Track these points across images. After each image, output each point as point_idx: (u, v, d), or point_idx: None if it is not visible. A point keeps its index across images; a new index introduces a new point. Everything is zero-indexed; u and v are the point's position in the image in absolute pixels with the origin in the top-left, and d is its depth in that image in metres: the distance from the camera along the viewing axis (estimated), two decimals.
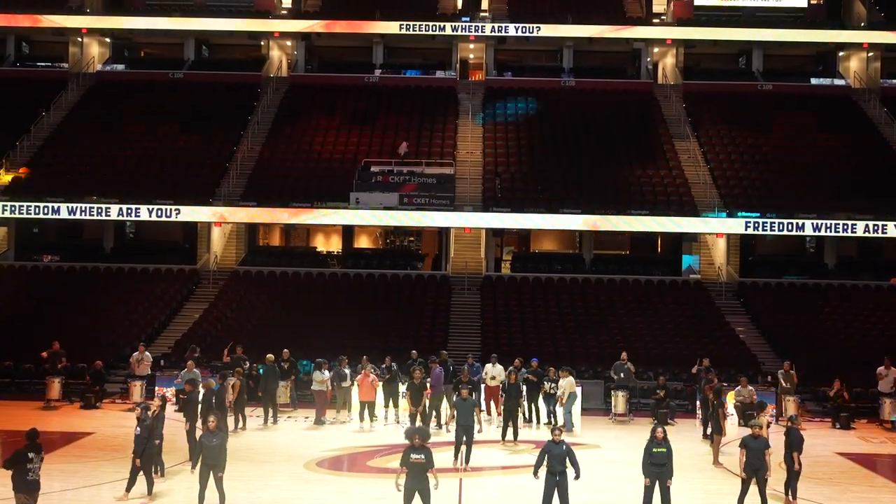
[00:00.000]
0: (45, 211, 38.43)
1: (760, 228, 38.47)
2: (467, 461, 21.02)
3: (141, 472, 17.68)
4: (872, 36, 49.09)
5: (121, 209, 38.34)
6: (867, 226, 37.99)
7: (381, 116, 45.97)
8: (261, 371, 26.85)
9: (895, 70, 49.99)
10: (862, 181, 41.29)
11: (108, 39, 51.19)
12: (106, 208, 38.29)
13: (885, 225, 38.00)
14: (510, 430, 23.87)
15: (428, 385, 25.33)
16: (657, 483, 16.59)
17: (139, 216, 38.99)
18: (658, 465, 16.56)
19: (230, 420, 23.78)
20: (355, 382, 26.32)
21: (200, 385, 22.78)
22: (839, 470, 22.18)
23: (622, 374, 28.05)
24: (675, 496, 16.77)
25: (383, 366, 27.01)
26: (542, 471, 16.49)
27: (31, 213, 38.66)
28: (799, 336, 34.78)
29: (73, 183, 39.96)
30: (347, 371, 26.66)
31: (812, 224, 38.09)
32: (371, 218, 38.67)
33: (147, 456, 17.60)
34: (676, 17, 51.44)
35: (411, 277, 39.32)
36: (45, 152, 42.88)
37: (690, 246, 40.65)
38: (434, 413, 25.32)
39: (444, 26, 49.09)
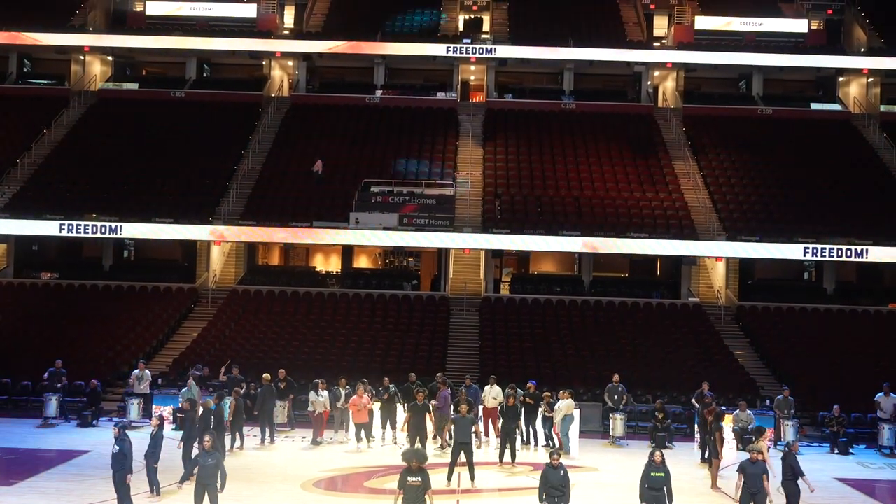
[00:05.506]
0: (45, 228, 38.46)
1: (759, 253, 38.52)
2: (472, 479, 21.01)
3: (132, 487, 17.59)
4: (872, 62, 49.28)
5: (120, 227, 38.27)
6: (866, 251, 37.99)
7: (382, 137, 46.06)
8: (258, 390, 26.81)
9: (895, 96, 50.12)
10: (861, 207, 41.35)
11: (109, 58, 51.36)
12: (105, 226, 38.21)
13: (884, 250, 38.03)
14: (507, 452, 23.80)
15: (432, 407, 25.27)
16: None
17: (139, 234, 39.05)
18: (656, 490, 16.51)
19: (227, 439, 23.73)
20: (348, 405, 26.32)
21: (199, 404, 22.76)
22: (838, 495, 22.11)
23: (616, 397, 28.00)
24: None
25: (381, 387, 26.95)
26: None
27: (30, 231, 38.72)
28: (798, 361, 34.71)
29: (73, 201, 39.97)
30: (343, 392, 26.65)
31: (811, 249, 38.10)
32: (370, 238, 38.66)
33: (120, 477, 17.45)
34: (677, 41, 51.68)
35: (410, 298, 39.29)
36: (46, 170, 42.91)
37: (689, 270, 40.70)
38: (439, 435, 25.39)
39: (446, 48, 49.24)
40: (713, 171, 44.46)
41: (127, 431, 18.07)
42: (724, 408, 26.22)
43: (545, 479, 16.33)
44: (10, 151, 43.84)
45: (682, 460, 24.66)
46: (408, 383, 27.25)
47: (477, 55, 49.37)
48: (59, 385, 28.69)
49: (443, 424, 25.29)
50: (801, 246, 38.08)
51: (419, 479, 15.35)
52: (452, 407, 24.97)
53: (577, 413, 26.25)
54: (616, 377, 28.52)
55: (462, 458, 21.08)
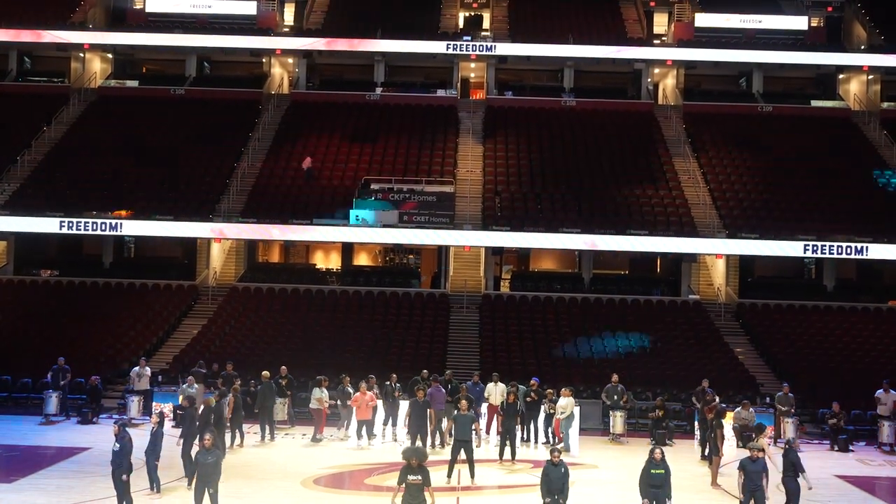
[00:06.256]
0: (45, 226, 38.43)
1: (760, 250, 38.52)
2: (472, 476, 21.01)
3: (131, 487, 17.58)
4: (872, 59, 49.28)
5: (121, 224, 38.27)
6: (866, 248, 37.98)
7: (382, 134, 46.06)
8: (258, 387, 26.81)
9: (895, 93, 50.11)
10: (862, 204, 41.36)
11: (109, 55, 51.36)
12: (105, 223, 38.20)
13: (884, 247, 38.05)
14: (507, 450, 23.80)
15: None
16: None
17: (139, 231, 39.08)
18: (656, 487, 16.53)
19: (227, 436, 23.73)
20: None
21: (203, 402, 22.78)
22: (837, 492, 22.11)
23: (615, 397, 28.00)
24: None
25: (387, 382, 26.98)
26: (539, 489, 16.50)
27: (30, 228, 38.71)
28: (798, 358, 34.75)
29: (73, 198, 39.96)
30: (351, 389, 26.66)
31: (811, 246, 38.11)
32: (370, 235, 38.65)
33: (119, 475, 17.44)
34: (677, 39, 51.66)
35: (410, 295, 39.29)
36: (45, 167, 42.90)
37: (689, 267, 40.70)
38: (438, 432, 25.39)
39: (446, 45, 49.18)
40: (713, 168, 44.45)
41: (127, 428, 18.08)
42: (724, 405, 26.25)
43: (546, 477, 16.36)
44: (10, 149, 43.80)
45: (683, 457, 24.69)
46: (416, 377, 27.35)
47: (477, 52, 49.38)
48: (62, 382, 28.72)
49: (437, 421, 25.32)
50: (802, 243, 38.09)
51: (419, 476, 15.38)
52: (445, 404, 25.13)
53: (577, 410, 26.27)
54: (615, 377, 28.49)
55: (462, 455, 21.09)
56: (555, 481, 16.25)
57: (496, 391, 26.48)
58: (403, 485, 15.41)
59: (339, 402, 26.80)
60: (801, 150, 45.72)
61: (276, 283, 39.98)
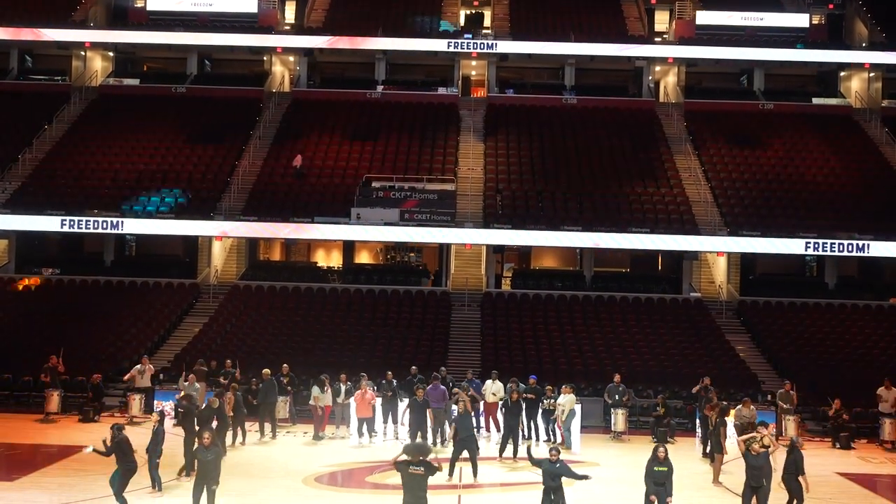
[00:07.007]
0: (46, 224, 38.42)
1: (761, 248, 38.49)
2: (474, 474, 21.00)
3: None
4: (874, 56, 49.16)
5: (122, 222, 38.29)
6: (867, 246, 37.95)
7: (383, 132, 46.03)
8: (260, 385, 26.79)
9: None
10: (862, 201, 41.33)
11: (110, 53, 51.34)
12: (107, 221, 38.19)
13: (886, 245, 38.02)
14: (509, 447, 23.79)
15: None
16: (656, 501, 16.57)
17: (140, 230, 39.07)
18: (659, 484, 16.57)
19: (228, 434, 23.72)
20: (352, 399, 26.36)
21: (208, 400, 22.78)
22: (839, 490, 22.11)
23: (616, 397, 27.99)
24: None
25: (383, 381, 26.97)
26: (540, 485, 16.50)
27: (31, 226, 38.70)
28: (799, 355, 34.74)
29: (75, 196, 39.97)
30: (343, 387, 26.67)
31: (813, 244, 38.07)
32: (372, 233, 38.65)
33: (118, 472, 17.46)
34: (678, 36, 51.62)
35: (412, 293, 39.27)
36: (47, 165, 42.90)
37: (690, 265, 40.68)
38: (439, 431, 25.38)
39: (447, 43, 49.14)
40: (714, 165, 44.41)
41: (126, 427, 18.08)
42: (725, 402, 26.21)
43: (542, 467, 16.37)
44: (11, 147, 43.84)
45: (684, 455, 24.68)
46: (410, 377, 27.37)
47: (478, 50, 49.35)
48: (60, 371, 28.57)
49: (439, 420, 25.30)
50: (803, 241, 38.05)
51: (421, 468, 15.35)
52: (443, 402, 25.14)
53: (578, 408, 26.27)
54: (617, 377, 28.45)
55: (465, 454, 21.06)
56: (554, 477, 16.23)
57: (491, 389, 26.50)
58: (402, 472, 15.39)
59: (334, 400, 26.77)
60: (801, 147, 45.71)
61: (277, 281, 39.98)
